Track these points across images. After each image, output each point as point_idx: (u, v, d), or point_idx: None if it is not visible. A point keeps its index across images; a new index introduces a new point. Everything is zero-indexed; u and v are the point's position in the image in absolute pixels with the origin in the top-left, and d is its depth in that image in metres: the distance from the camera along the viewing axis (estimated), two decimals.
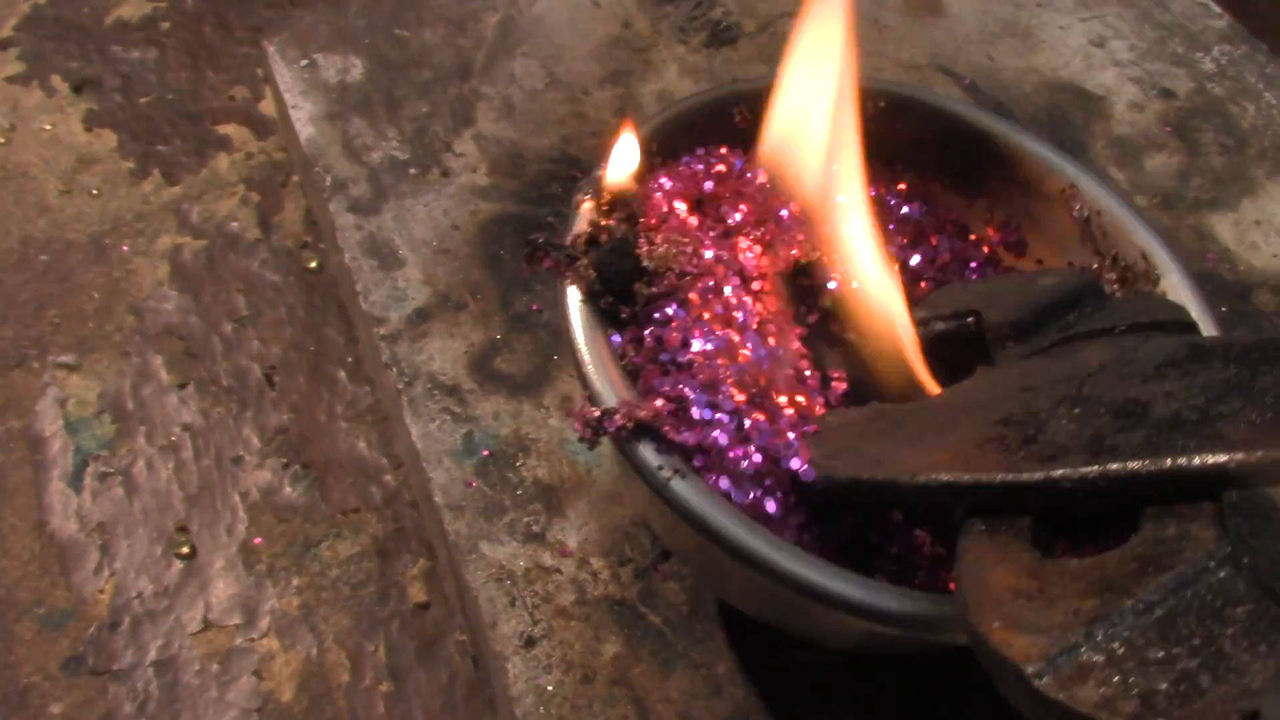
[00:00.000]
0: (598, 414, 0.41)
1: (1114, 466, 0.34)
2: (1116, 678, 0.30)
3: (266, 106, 0.85)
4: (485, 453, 0.56)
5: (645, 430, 0.40)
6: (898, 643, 0.43)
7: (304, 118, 0.70)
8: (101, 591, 0.62)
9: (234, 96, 0.86)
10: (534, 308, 0.61)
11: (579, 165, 0.68)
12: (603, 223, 0.44)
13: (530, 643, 0.50)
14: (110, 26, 0.91)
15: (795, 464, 0.41)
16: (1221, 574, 0.30)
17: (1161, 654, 0.30)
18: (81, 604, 0.62)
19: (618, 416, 0.40)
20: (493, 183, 0.67)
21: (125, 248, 0.76)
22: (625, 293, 0.43)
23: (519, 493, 0.54)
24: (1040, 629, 0.31)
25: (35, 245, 0.76)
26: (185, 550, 0.63)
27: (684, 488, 0.39)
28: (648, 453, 0.40)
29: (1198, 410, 0.35)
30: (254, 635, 0.60)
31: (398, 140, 0.69)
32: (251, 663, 0.59)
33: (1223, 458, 0.33)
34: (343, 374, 0.70)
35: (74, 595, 0.62)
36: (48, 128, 0.84)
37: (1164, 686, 0.29)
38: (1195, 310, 0.46)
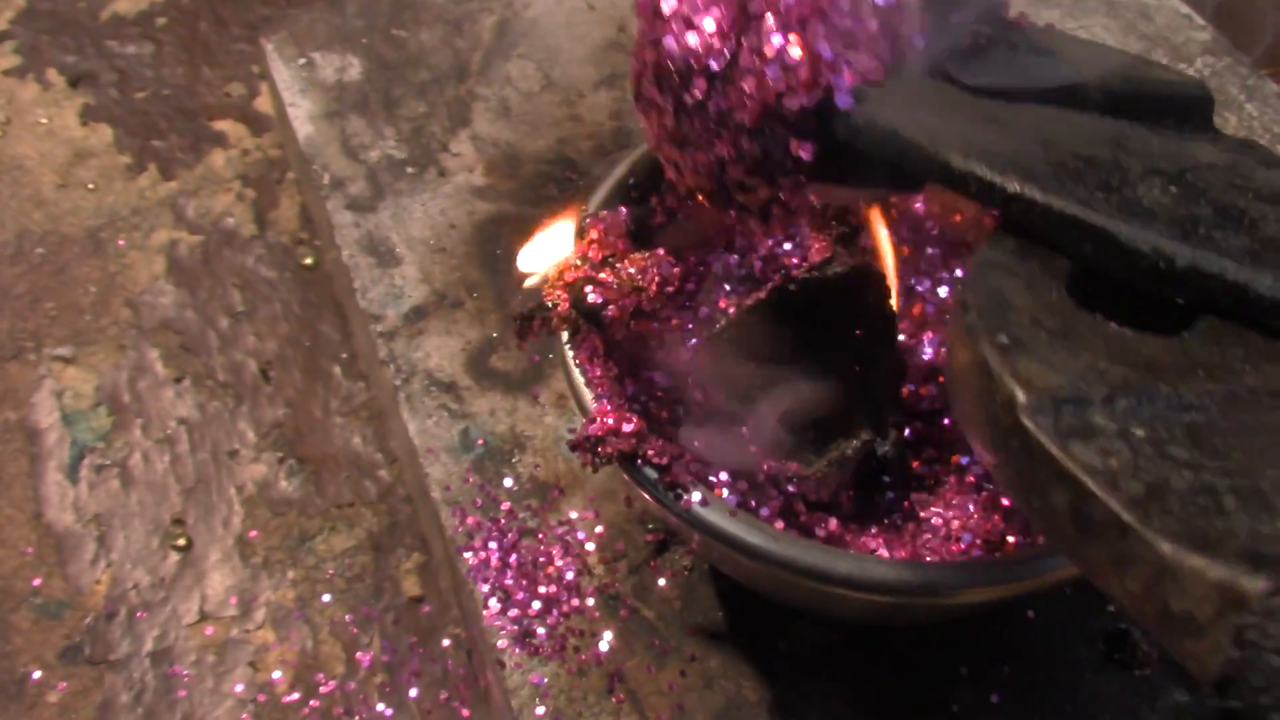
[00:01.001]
0: (589, 439, 0.43)
1: (1208, 255, 0.30)
2: (1127, 454, 0.25)
3: (262, 103, 0.85)
4: (481, 443, 0.57)
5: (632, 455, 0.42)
6: (897, 610, 0.45)
7: (302, 116, 0.71)
8: (98, 582, 0.63)
9: (230, 93, 0.87)
10: (516, 309, 0.62)
11: (574, 166, 0.69)
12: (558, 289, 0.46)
13: (525, 637, 0.51)
14: (106, 21, 0.92)
15: (841, 96, 0.37)
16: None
17: (1187, 456, 0.25)
18: (78, 594, 0.62)
19: (607, 446, 0.42)
20: (489, 183, 0.68)
21: (121, 242, 0.77)
22: (599, 322, 0.45)
23: (515, 488, 0.55)
24: (1055, 366, 0.27)
25: (31, 238, 0.77)
26: (181, 542, 0.64)
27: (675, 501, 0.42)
28: (646, 470, 0.42)
29: None
30: (250, 627, 0.61)
31: (395, 140, 0.70)
32: (247, 654, 0.60)
33: None
34: (338, 369, 0.71)
35: (71, 586, 0.63)
36: (43, 121, 0.84)
37: (1181, 487, 0.25)
38: None
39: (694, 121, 0.39)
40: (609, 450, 0.43)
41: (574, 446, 0.44)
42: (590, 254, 0.46)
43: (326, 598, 0.62)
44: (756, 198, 0.40)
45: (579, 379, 0.45)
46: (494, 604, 0.52)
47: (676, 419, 0.48)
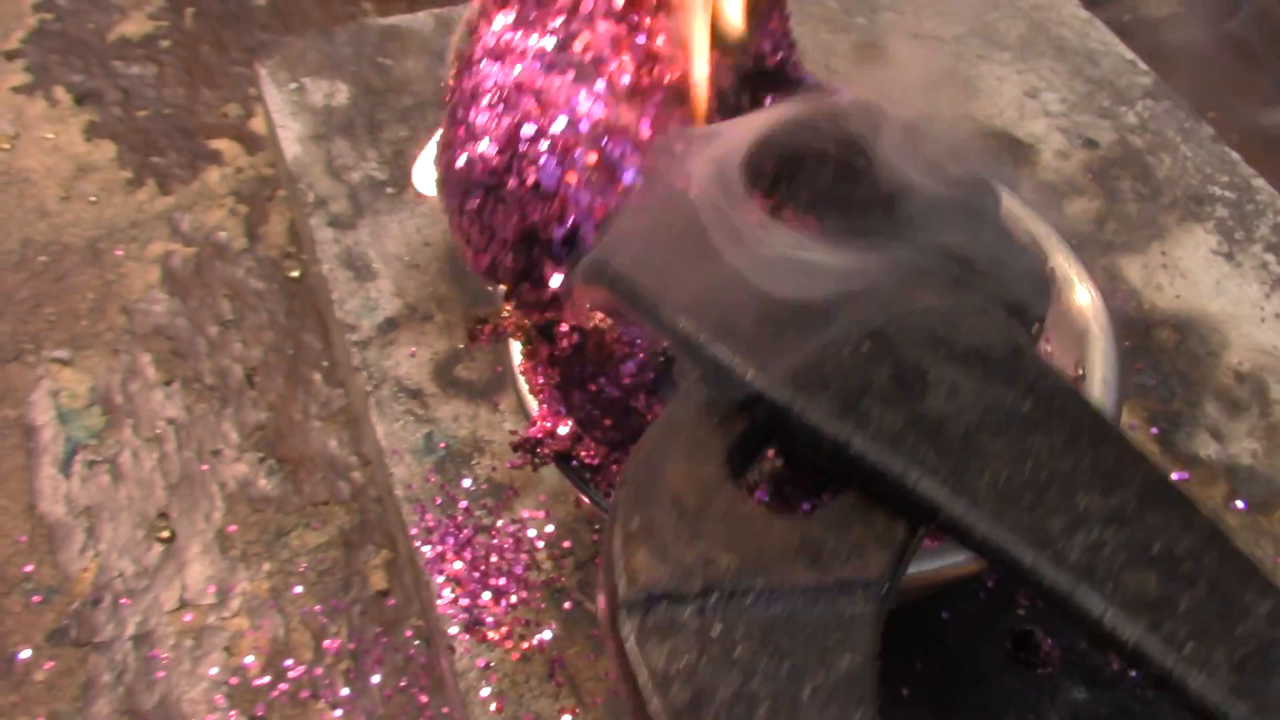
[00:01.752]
0: (529, 440, 0.47)
1: (853, 430, 0.31)
2: (693, 656, 0.27)
3: (257, 124, 0.90)
4: (443, 446, 0.61)
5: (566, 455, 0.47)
6: None
7: (290, 137, 0.76)
8: (86, 570, 0.67)
9: (227, 113, 0.91)
10: (473, 312, 0.66)
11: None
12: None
13: (476, 624, 0.55)
14: (113, 42, 0.97)
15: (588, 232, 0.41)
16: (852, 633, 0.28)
17: (749, 658, 0.27)
18: (67, 581, 0.67)
19: (544, 447, 0.47)
20: None
21: (119, 252, 0.81)
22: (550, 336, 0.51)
23: (473, 488, 0.60)
24: (668, 556, 0.29)
25: (34, 247, 0.82)
26: (165, 535, 0.68)
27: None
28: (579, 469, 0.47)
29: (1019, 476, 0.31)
30: (226, 615, 0.65)
31: (377, 161, 0.75)
32: (223, 639, 0.64)
33: (954, 507, 0.30)
34: (318, 377, 0.75)
35: (60, 573, 0.67)
36: (50, 136, 0.89)
37: (724, 696, 0.27)
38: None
39: (473, 225, 0.43)
40: (546, 451, 0.47)
41: (516, 447, 0.48)
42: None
43: (298, 589, 0.66)
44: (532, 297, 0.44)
45: (524, 386, 0.49)
46: (447, 593, 0.56)
47: (617, 428, 0.52)
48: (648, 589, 0.28)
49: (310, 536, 0.68)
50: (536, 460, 0.48)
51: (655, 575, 0.28)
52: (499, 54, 0.44)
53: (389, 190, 0.73)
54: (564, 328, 0.50)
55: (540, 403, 0.48)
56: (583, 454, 0.47)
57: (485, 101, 0.43)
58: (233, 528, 0.68)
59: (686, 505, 0.30)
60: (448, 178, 0.44)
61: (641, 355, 0.56)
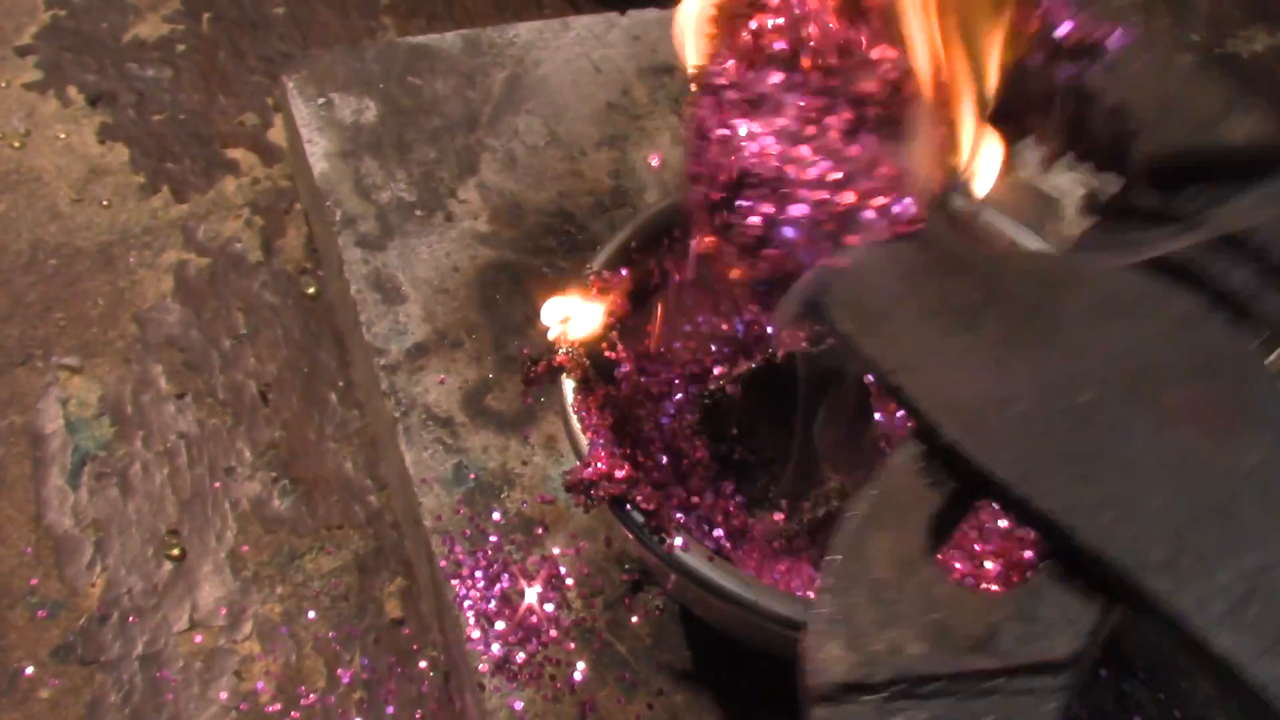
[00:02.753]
0: (584, 482, 0.47)
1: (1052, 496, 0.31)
2: None
3: (275, 135, 0.89)
4: (473, 478, 0.60)
5: (622, 499, 0.46)
6: None
7: (318, 153, 0.75)
8: (93, 585, 0.65)
9: (244, 122, 0.90)
10: (524, 351, 0.66)
11: (573, 220, 0.73)
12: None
13: (505, 663, 0.54)
14: (128, 44, 0.95)
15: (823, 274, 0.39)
16: None
17: None
18: (73, 596, 0.65)
19: (599, 489, 0.46)
20: (492, 230, 0.72)
21: (132, 259, 0.80)
22: (611, 378, 0.50)
23: (502, 522, 0.59)
24: (860, 647, 0.30)
25: (45, 249, 0.80)
26: (175, 552, 0.67)
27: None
28: (634, 514, 0.46)
29: None
30: (237, 638, 0.64)
31: (406, 182, 0.74)
32: (233, 663, 0.63)
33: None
34: (334, 397, 0.74)
35: (66, 587, 0.65)
36: (62, 136, 0.87)
37: None
38: None
39: (722, 236, 0.43)
40: (601, 494, 0.46)
41: (569, 487, 0.47)
42: (610, 313, 0.50)
43: (311, 614, 0.65)
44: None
45: (577, 425, 0.49)
46: (477, 631, 0.55)
47: (662, 469, 0.52)
48: (839, 680, 0.29)
49: (324, 560, 0.67)
50: (590, 502, 0.47)
51: (846, 666, 0.29)
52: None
53: (418, 213, 0.72)
54: (623, 369, 0.50)
55: (594, 444, 0.48)
56: (640, 500, 0.46)
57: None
58: (245, 548, 0.67)
59: (884, 587, 0.31)
60: (704, 185, 0.43)
61: (680, 396, 0.56)
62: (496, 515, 0.59)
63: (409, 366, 0.65)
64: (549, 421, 0.63)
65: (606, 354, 0.49)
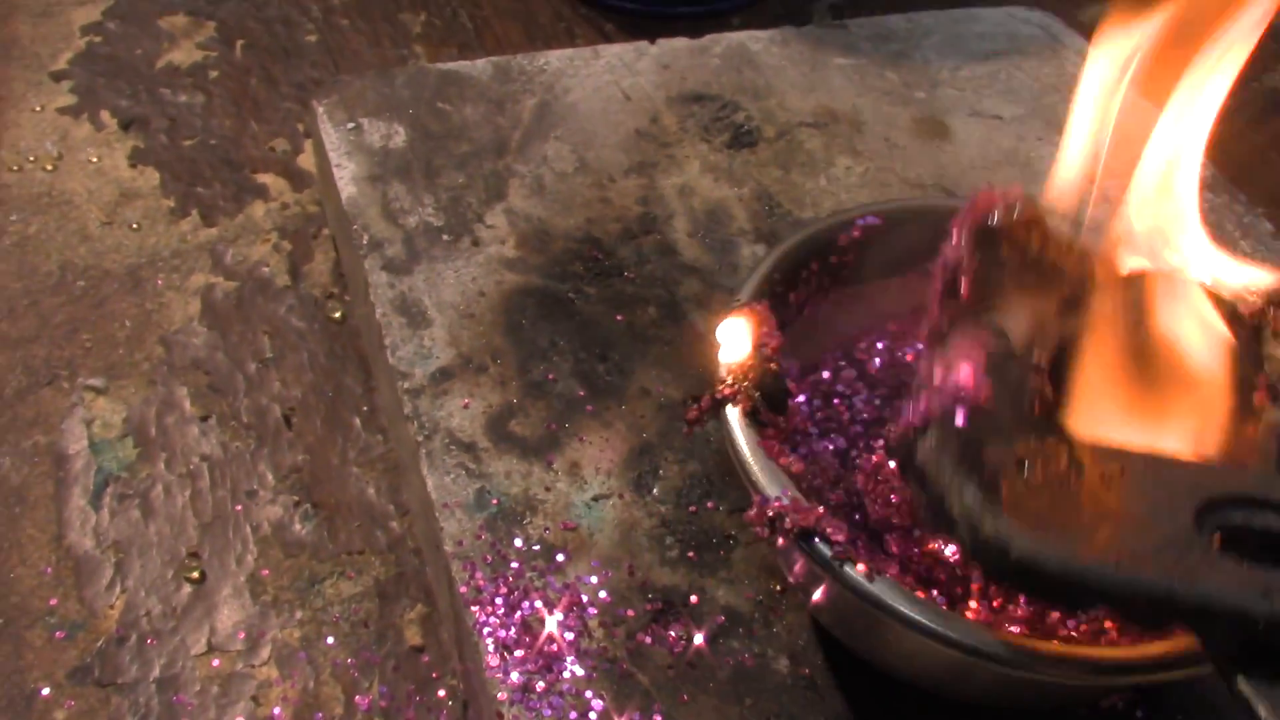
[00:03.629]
0: (771, 514, 0.47)
1: None
2: None
3: (304, 160, 0.89)
4: (495, 503, 0.60)
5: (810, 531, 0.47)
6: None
7: (347, 177, 0.75)
8: (112, 607, 0.65)
9: (274, 148, 0.90)
10: (549, 377, 0.65)
11: (600, 246, 0.73)
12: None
13: (524, 691, 0.53)
14: (161, 69, 0.96)
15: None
16: None
17: None
18: (92, 617, 0.64)
19: (787, 520, 0.47)
20: (519, 255, 0.71)
21: (160, 281, 0.80)
22: (781, 405, 0.51)
23: (524, 549, 0.58)
24: None
25: (74, 271, 0.80)
26: (195, 575, 0.66)
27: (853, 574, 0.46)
28: (821, 546, 0.47)
29: None
30: (255, 662, 0.63)
31: (433, 207, 0.74)
32: (250, 688, 0.62)
33: None
34: (358, 421, 0.73)
35: (85, 608, 0.65)
36: (94, 160, 0.88)
37: None
38: None
39: None
40: (790, 525, 0.46)
41: (754, 521, 0.48)
42: (764, 344, 0.51)
43: (330, 640, 0.64)
44: None
45: (747, 456, 0.49)
46: (496, 658, 0.54)
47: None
48: None
49: (344, 585, 0.66)
50: (776, 536, 0.47)
51: None
52: None
53: (445, 237, 0.72)
54: (798, 400, 0.51)
55: (774, 475, 0.48)
56: (830, 530, 0.46)
57: None
58: (265, 572, 0.67)
59: None
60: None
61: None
62: (518, 541, 0.59)
63: (433, 390, 0.64)
64: (572, 448, 0.62)
65: (784, 382, 0.50)
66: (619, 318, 0.69)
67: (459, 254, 0.71)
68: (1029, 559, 0.38)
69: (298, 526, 0.69)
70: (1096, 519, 0.39)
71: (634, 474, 0.62)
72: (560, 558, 0.58)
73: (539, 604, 0.56)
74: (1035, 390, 0.47)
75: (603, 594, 0.57)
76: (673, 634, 0.56)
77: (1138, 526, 0.38)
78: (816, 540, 0.47)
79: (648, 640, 0.56)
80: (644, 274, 0.72)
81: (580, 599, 0.57)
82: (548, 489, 0.61)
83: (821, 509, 0.47)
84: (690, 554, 0.59)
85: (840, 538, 0.46)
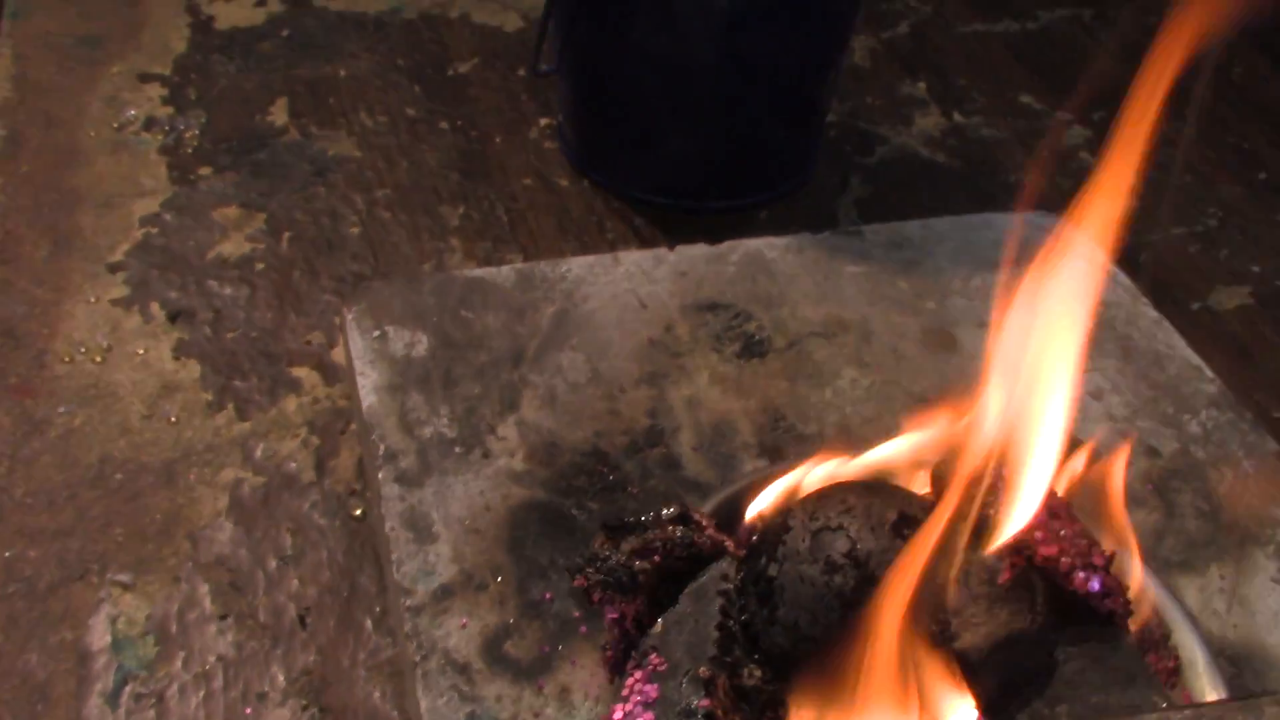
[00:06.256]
0: None
1: None
2: None
3: (338, 354, 0.93)
4: None
5: None
6: None
7: (369, 386, 0.78)
8: None
9: (310, 341, 0.95)
10: (547, 596, 0.67)
11: (606, 460, 0.75)
12: None
13: None
14: (211, 261, 1.01)
15: None
16: None
17: None
18: None
19: None
20: (527, 469, 0.74)
21: (192, 476, 0.84)
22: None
23: None
24: None
25: (112, 464, 0.84)
26: None
27: None
28: None
29: None
30: None
31: (449, 418, 0.77)
32: None
33: None
34: (369, 623, 0.76)
35: None
36: (140, 352, 0.93)
37: None
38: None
39: None
40: None
41: None
42: None
43: None
44: None
45: None
46: None
47: None
48: None
49: None
50: None
51: None
52: None
53: (457, 449, 0.75)
54: None
55: None
56: None
57: None
58: None
59: None
60: None
61: None
62: None
63: (434, 609, 0.67)
64: (564, 672, 0.64)
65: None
66: None
67: (469, 467, 0.74)
68: None
69: None
70: None
71: None
72: None
73: None
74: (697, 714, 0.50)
75: None
76: None
77: None
78: None
79: None
80: (646, 489, 0.74)
81: None
82: (536, 715, 0.62)
83: None
84: None
85: None
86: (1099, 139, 1.26)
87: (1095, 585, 0.59)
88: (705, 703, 0.53)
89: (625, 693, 0.57)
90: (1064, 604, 0.60)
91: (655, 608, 0.62)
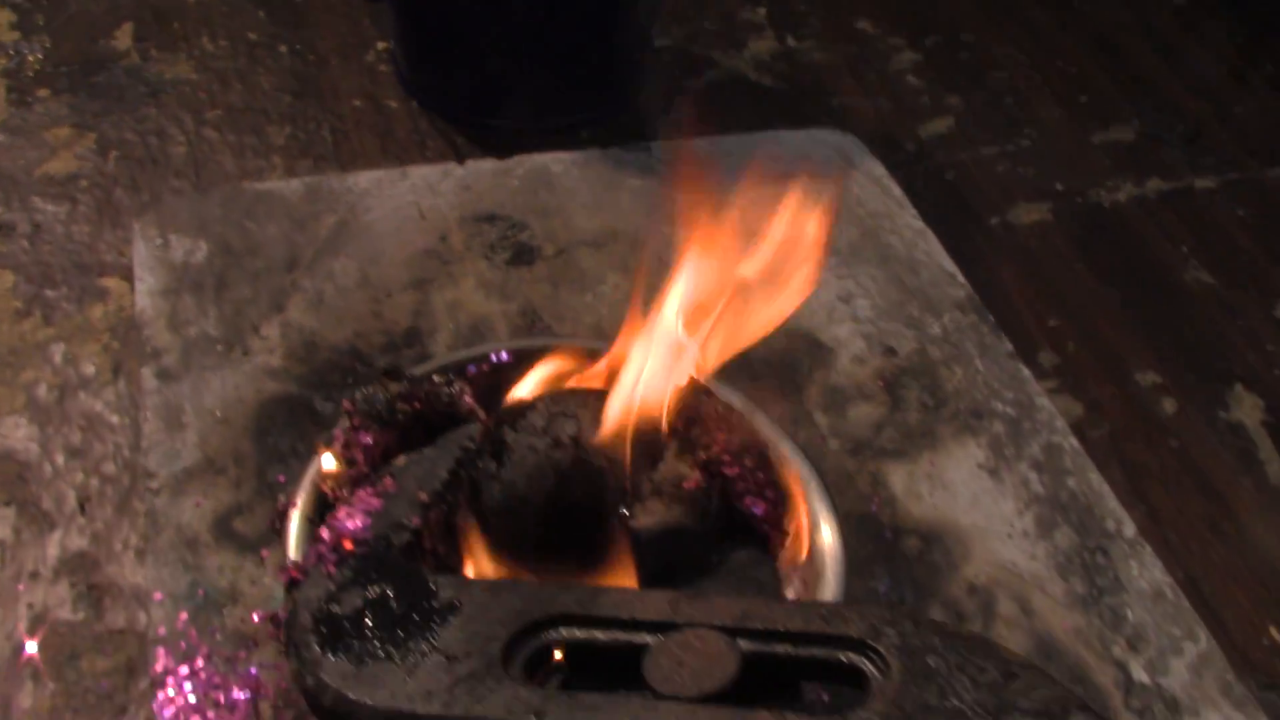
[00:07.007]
0: None
1: None
2: None
3: None
4: (201, 594, 0.67)
5: None
6: None
7: (144, 290, 0.83)
8: None
9: (124, 253, 0.99)
10: (280, 479, 0.73)
11: (361, 358, 0.80)
12: None
13: None
14: (37, 178, 1.06)
15: None
16: None
17: None
18: None
19: None
20: (284, 365, 0.79)
21: None
22: None
23: (218, 637, 0.65)
24: None
25: None
26: None
27: None
28: None
29: None
30: None
31: (216, 319, 0.82)
32: None
33: None
34: (141, 507, 0.81)
35: None
36: None
37: None
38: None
39: None
40: None
41: None
42: None
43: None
44: None
45: None
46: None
47: None
48: None
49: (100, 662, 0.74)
50: None
51: None
52: None
53: (219, 348, 0.80)
54: None
55: None
56: None
57: None
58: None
59: None
60: None
61: None
62: (215, 629, 0.66)
63: (172, 490, 0.72)
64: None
65: None
66: None
67: (229, 364, 0.79)
68: (341, 706, 0.45)
69: (66, 610, 0.76)
70: (421, 656, 0.45)
71: None
72: (247, 635, 0.65)
73: (216, 682, 0.63)
74: (406, 528, 0.54)
75: (283, 681, 0.64)
76: None
77: (454, 659, 0.45)
78: None
79: None
80: None
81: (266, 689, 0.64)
82: (253, 582, 0.68)
83: None
84: None
85: None
86: (928, 64, 1.31)
87: (759, 510, 0.66)
88: (417, 521, 0.58)
89: (353, 501, 0.62)
90: (735, 518, 0.66)
91: (407, 449, 0.66)
